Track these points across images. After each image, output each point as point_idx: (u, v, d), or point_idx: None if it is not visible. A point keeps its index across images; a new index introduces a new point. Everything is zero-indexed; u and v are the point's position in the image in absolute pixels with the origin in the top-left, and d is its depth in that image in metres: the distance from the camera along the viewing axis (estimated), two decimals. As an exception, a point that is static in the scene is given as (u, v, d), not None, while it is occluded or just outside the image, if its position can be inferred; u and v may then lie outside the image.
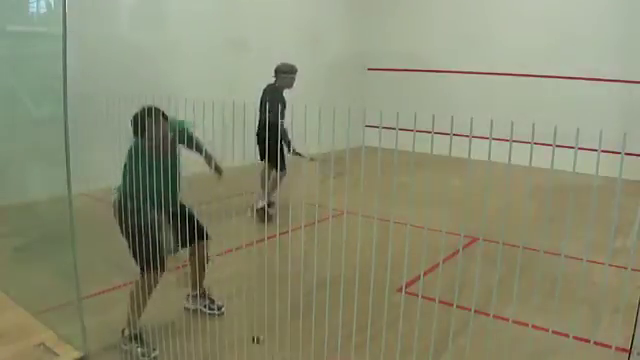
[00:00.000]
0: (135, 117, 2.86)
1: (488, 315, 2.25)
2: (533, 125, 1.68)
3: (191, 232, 2.98)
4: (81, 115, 3.13)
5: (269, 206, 5.13)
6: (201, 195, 3.21)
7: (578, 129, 1.61)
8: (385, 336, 2.30)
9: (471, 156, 1.80)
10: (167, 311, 3.20)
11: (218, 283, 3.59)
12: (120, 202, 2.94)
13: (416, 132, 1.85)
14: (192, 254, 3.27)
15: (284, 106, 5.27)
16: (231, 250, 2.86)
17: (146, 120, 2.80)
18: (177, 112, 2.87)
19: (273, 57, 5.70)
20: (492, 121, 1.68)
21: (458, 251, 2.61)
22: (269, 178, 5.36)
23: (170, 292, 3.30)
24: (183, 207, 3.11)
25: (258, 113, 4.61)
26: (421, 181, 2.03)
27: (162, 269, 2.91)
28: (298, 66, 5.60)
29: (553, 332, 2.07)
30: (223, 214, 2.91)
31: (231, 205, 3.33)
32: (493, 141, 1.82)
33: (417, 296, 2.14)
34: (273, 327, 2.52)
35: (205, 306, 3.41)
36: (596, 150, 1.65)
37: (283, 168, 5.49)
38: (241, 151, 2.53)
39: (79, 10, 2.97)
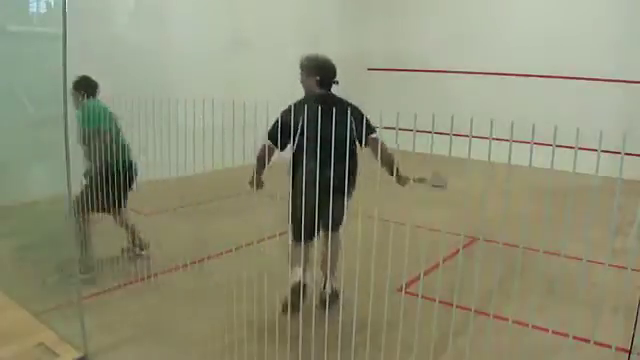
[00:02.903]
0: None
1: (488, 315, 2.25)
2: (533, 125, 1.68)
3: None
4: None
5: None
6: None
7: (578, 129, 1.61)
8: (385, 336, 2.30)
9: (471, 156, 1.80)
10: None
11: (218, 286, 3.57)
12: None
13: (416, 132, 1.85)
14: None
15: None
16: (231, 250, 2.86)
17: None
18: (177, 111, 2.88)
19: (273, 57, 5.68)
20: (492, 121, 1.68)
21: (458, 251, 2.61)
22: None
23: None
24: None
25: None
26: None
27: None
28: (298, 66, 5.38)
29: (553, 332, 2.07)
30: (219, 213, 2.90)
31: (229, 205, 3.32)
32: (493, 141, 1.82)
33: (417, 296, 2.14)
34: (273, 327, 2.52)
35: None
36: (596, 150, 1.65)
37: None
38: (241, 151, 2.53)
39: (79, 10, 2.97)
